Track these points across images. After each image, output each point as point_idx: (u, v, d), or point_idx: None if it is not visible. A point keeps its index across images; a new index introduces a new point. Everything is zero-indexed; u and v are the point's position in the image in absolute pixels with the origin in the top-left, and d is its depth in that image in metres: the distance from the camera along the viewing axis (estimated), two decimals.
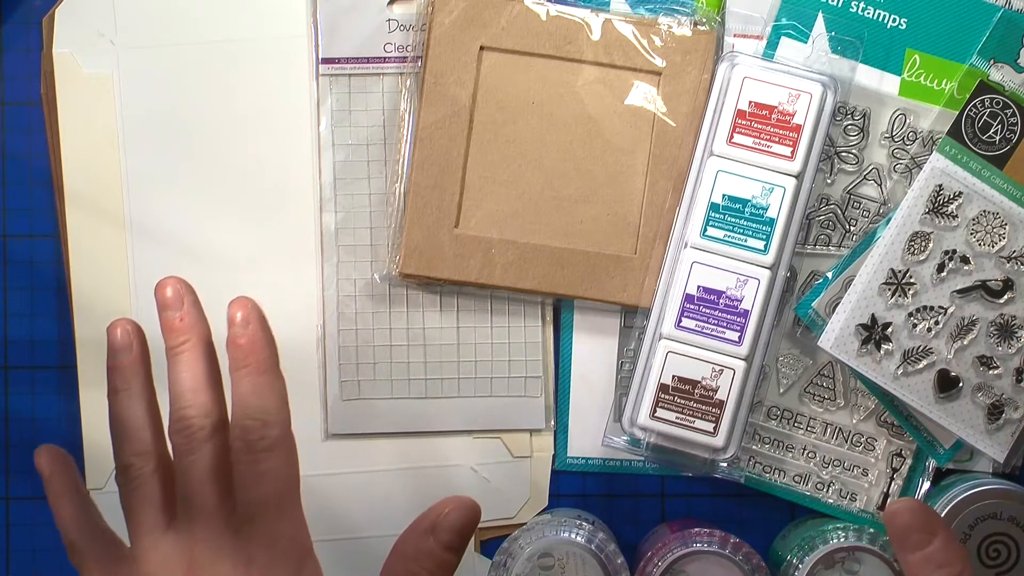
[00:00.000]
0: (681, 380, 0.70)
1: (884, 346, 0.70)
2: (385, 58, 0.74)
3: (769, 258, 0.69)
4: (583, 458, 0.75)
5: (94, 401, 0.74)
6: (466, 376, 0.74)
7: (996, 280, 0.71)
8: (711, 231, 0.70)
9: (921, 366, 0.71)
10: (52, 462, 0.61)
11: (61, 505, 0.60)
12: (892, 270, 0.70)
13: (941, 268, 0.70)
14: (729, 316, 0.70)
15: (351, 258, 0.74)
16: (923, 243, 0.70)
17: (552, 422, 0.75)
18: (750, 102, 0.70)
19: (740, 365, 0.70)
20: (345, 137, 0.74)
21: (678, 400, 0.70)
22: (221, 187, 0.75)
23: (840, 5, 0.72)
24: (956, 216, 0.70)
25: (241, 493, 0.56)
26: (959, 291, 0.71)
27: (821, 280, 0.72)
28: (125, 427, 0.58)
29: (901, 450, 0.74)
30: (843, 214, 0.73)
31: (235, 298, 0.58)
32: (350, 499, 0.75)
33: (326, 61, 0.74)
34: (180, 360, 0.57)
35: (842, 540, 0.69)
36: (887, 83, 0.72)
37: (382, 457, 0.75)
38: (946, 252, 0.70)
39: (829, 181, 0.73)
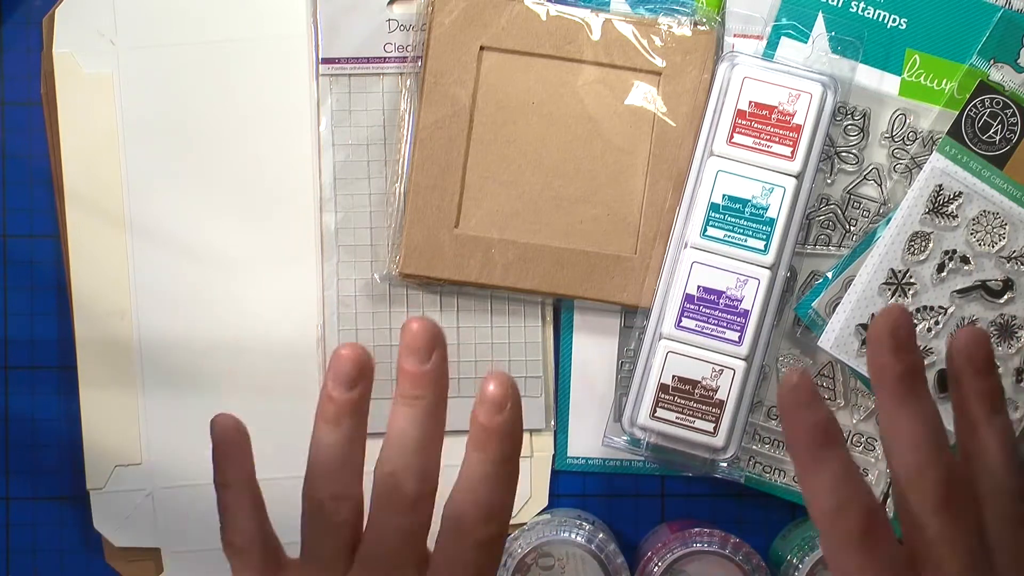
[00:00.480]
0: (681, 380, 0.70)
1: None
2: (385, 58, 0.74)
3: (769, 258, 0.69)
4: (583, 458, 0.75)
5: (94, 401, 0.74)
6: (466, 376, 0.74)
7: (996, 280, 0.71)
8: (711, 231, 0.70)
9: None
10: (229, 442, 0.55)
11: (234, 498, 0.55)
12: (892, 270, 0.70)
13: (941, 268, 0.71)
14: (729, 316, 0.70)
15: (351, 258, 0.74)
16: (923, 243, 0.70)
17: (552, 422, 0.75)
18: (750, 102, 0.70)
19: (740, 365, 0.70)
20: (345, 137, 0.74)
21: (678, 400, 0.70)
22: (221, 187, 0.75)
23: (840, 5, 0.72)
24: (956, 216, 0.70)
25: (436, 573, 0.53)
26: (959, 291, 0.71)
27: (821, 280, 0.72)
28: (329, 465, 0.53)
29: None
30: (843, 214, 0.73)
31: (494, 372, 0.52)
32: None
33: (326, 61, 0.74)
34: (410, 414, 0.53)
35: None
36: (887, 83, 0.72)
37: None
38: (946, 252, 0.70)
39: (829, 181, 0.73)
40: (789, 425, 0.49)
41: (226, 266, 0.75)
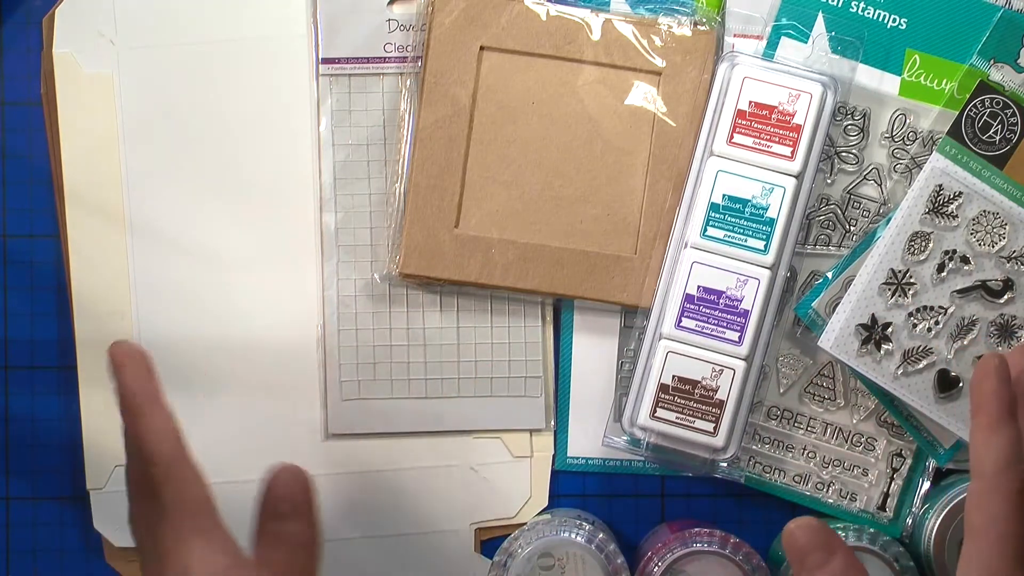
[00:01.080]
0: (681, 380, 0.70)
1: (884, 346, 0.70)
2: (385, 58, 0.74)
3: (769, 258, 0.69)
4: (583, 458, 0.75)
5: (94, 401, 0.75)
6: (466, 376, 0.74)
7: (996, 280, 0.71)
8: (711, 231, 0.70)
9: (921, 366, 0.71)
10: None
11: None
12: (892, 270, 0.70)
13: (941, 268, 0.70)
14: (729, 316, 0.70)
15: (351, 258, 0.74)
16: (923, 243, 0.70)
17: (552, 422, 0.75)
18: (750, 102, 0.70)
19: (740, 365, 0.70)
20: (345, 137, 0.74)
21: (678, 400, 0.70)
22: (221, 187, 0.75)
23: (840, 5, 0.72)
24: (956, 216, 0.70)
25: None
26: (959, 291, 0.71)
27: (821, 280, 0.72)
28: None
29: (901, 450, 0.74)
30: (843, 214, 0.73)
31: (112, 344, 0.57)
32: (350, 500, 0.75)
33: (326, 61, 0.74)
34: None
35: None
36: (887, 83, 0.72)
37: (382, 457, 0.75)
38: (946, 252, 0.70)
39: (829, 181, 0.73)
40: (983, 389, 0.56)
41: (226, 266, 0.75)
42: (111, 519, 0.75)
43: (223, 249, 0.75)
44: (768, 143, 0.70)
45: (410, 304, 0.75)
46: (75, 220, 0.75)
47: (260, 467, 0.75)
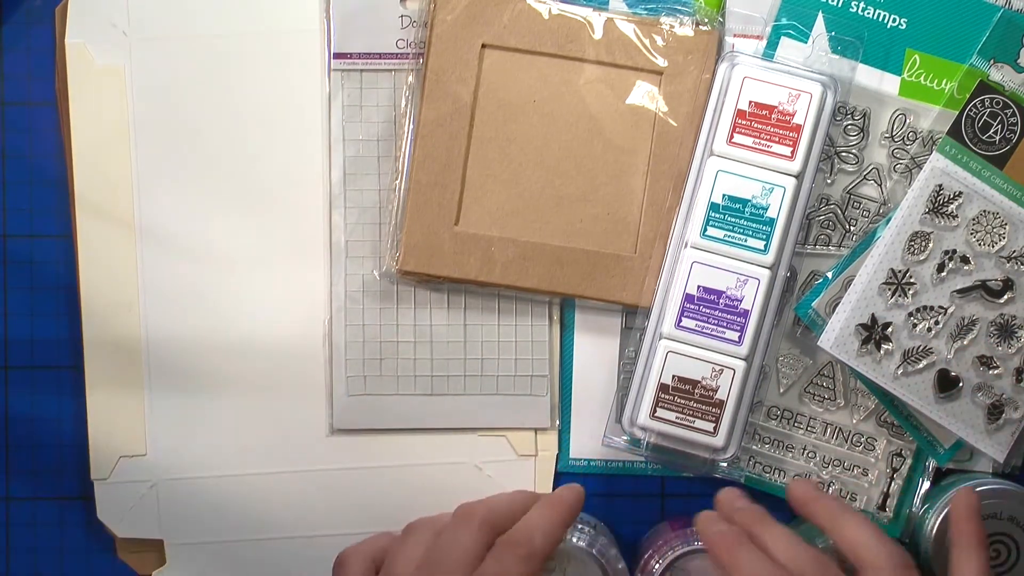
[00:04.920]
0: (681, 380, 0.70)
1: (884, 346, 0.71)
2: (397, 54, 0.74)
3: (769, 258, 0.70)
4: (585, 460, 0.76)
5: (100, 393, 0.76)
6: (472, 374, 0.75)
7: (996, 280, 0.71)
8: (711, 231, 0.70)
9: (921, 366, 0.71)
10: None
11: None
12: (892, 270, 0.71)
13: (941, 268, 0.71)
14: (729, 316, 0.70)
15: (359, 254, 0.75)
16: (923, 243, 0.71)
17: (557, 421, 0.75)
18: (750, 102, 0.70)
19: (740, 365, 0.70)
20: (356, 133, 0.75)
21: (678, 400, 0.70)
22: (230, 182, 0.76)
23: (840, 5, 0.72)
24: (956, 216, 0.71)
25: None
26: (959, 291, 0.71)
27: (821, 280, 0.73)
28: None
29: (901, 450, 0.74)
30: (843, 214, 0.73)
31: None
32: (354, 495, 0.76)
33: (338, 56, 0.75)
34: None
35: None
36: (887, 83, 0.73)
37: (386, 453, 0.76)
38: (946, 252, 0.71)
39: (829, 181, 0.73)
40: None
41: (234, 262, 0.76)
42: (115, 509, 0.75)
43: (231, 245, 0.76)
44: (768, 143, 0.70)
45: (417, 301, 0.75)
46: (84, 216, 0.75)
47: (265, 461, 0.76)
